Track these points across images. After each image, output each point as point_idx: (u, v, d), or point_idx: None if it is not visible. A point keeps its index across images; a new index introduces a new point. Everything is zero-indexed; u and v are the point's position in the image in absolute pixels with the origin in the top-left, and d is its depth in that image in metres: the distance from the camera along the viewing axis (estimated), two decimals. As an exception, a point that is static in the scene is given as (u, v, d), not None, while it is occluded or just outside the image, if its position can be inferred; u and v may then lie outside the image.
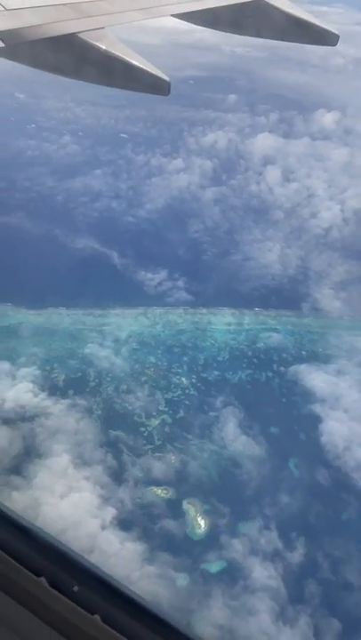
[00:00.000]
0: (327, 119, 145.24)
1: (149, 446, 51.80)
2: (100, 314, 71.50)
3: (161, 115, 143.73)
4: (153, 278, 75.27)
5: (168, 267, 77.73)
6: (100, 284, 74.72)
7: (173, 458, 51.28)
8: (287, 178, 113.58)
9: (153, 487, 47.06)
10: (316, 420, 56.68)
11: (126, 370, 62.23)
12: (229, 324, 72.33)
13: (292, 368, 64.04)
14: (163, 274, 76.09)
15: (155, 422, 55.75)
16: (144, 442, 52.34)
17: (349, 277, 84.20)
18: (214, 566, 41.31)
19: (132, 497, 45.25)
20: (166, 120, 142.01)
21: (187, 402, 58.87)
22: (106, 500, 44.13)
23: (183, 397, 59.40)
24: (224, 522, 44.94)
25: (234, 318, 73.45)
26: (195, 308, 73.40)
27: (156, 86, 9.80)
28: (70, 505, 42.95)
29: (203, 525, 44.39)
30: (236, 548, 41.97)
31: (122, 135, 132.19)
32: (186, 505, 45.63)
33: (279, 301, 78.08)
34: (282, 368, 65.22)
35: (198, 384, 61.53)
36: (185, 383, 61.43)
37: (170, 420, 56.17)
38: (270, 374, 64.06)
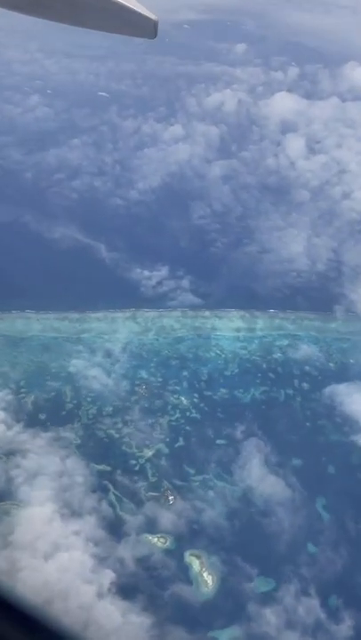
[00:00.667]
0: (359, 74, 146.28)
1: (142, 484, 51.73)
2: (78, 318, 71.26)
3: (153, 69, 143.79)
4: (150, 277, 75.30)
5: (169, 262, 77.79)
6: (80, 282, 74.96)
7: (171, 498, 51.32)
8: (312, 149, 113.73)
9: (153, 536, 46.92)
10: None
11: (112, 388, 61.85)
12: (238, 330, 72.41)
13: (328, 388, 63.98)
14: (163, 271, 76.15)
15: (148, 453, 55.42)
16: (135, 478, 52.32)
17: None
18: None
19: (134, 554, 45.14)
20: (160, 76, 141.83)
21: (187, 427, 58.46)
22: (102, 561, 43.87)
23: (183, 422, 58.89)
24: (245, 583, 44.84)
25: (244, 322, 73.55)
26: (195, 311, 73.59)
27: (139, 27, 9.17)
28: (58, 568, 42.54)
29: (210, 582, 44.30)
30: (269, 619, 41.89)
31: (102, 94, 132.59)
32: (188, 557, 45.46)
33: (306, 304, 78.26)
34: (304, 384, 65.26)
35: (201, 404, 61.14)
36: (185, 404, 60.93)
37: (166, 451, 55.85)
38: (290, 392, 63.97)
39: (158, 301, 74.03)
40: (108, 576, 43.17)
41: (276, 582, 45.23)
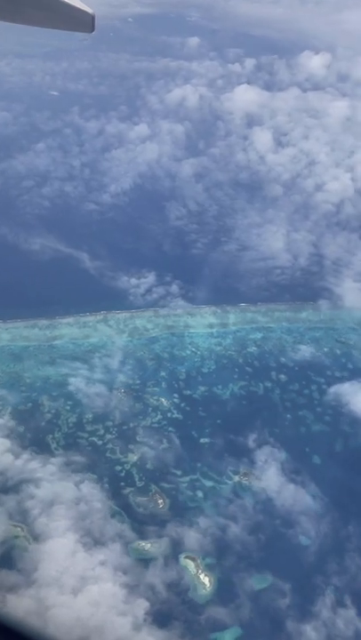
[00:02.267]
0: (315, 63, 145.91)
1: (129, 489, 50.36)
2: (48, 325, 69.60)
3: (108, 67, 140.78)
4: (138, 284, 73.45)
5: (155, 268, 76.08)
6: (49, 288, 73.34)
7: (161, 501, 50.14)
8: (280, 142, 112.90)
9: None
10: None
11: (90, 394, 60.33)
12: (212, 326, 71.80)
13: (305, 378, 63.28)
14: (150, 278, 74.38)
15: (133, 458, 54.14)
16: (122, 484, 50.87)
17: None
18: None
19: (164, 579, 43.59)
20: (116, 73, 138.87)
21: (170, 428, 57.54)
22: (133, 590, 42.19)
23: (165, 423, 57.98)
24: (280, 599, 43.91)
25: (216, 318, 72.94)
26: (166, 309, 72.45)
27: (76, 21, 9.23)
28: (89, 602, 40.78)
29: (208, 584, 43.16)
30: (309, 635, 40.97)
31: (53, 93, 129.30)
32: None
33: (292, 300, 77.78)
34: (282, 376, 65.05)
35: (182, 404, 60.37)
36: (165, 405, 60.18)
37: (151, 454, 54.65)
38: (269, 385, 63.78)
39: (129, 302, 72.55)
40: (141, 605, 41.56)
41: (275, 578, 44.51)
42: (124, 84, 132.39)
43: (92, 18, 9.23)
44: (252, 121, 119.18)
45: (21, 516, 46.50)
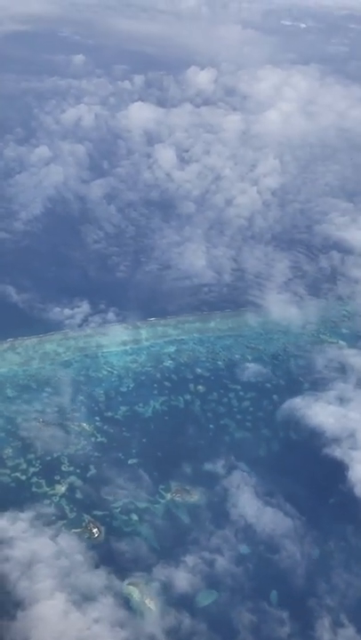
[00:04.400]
0: (203, 79, 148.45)
1: (61, 522, 48.07)
2: None
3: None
4: (73, 315, 70.55)
5: (85, 295, 73.45)
6: None
7: (95, 531, 48.63)
8: (182, 158, 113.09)
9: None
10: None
11: (6, 428, 57.71)
12: (125, 344, 70.77)
13: (222, 387, 63.47)
14: (84, 307, 71.60)
15: (61, 489, 51.94)
16: (52, 517, 48.33)
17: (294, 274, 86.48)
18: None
19: (163, 627, 41.67)
20: (4, 94, 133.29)
21: (96, 453, 56.06)
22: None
23: (90, 448, 56.38)
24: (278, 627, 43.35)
25: (128, 335, 71.84)
26: (75, 331, 70.44)
27: None
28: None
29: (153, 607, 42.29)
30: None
31: None
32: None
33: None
34: (200, 387, 65.33)
35: (105, 427, 59.12)
36: (88, 429, 58.65)
37: (79, 483, 52.83)
38: (189, 397, 63.89)
39: (36, 326, 69.85)
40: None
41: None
42: (15, 104, 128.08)
43: None
44: (151, 138, 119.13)
45: (-1, 582, 42.95)
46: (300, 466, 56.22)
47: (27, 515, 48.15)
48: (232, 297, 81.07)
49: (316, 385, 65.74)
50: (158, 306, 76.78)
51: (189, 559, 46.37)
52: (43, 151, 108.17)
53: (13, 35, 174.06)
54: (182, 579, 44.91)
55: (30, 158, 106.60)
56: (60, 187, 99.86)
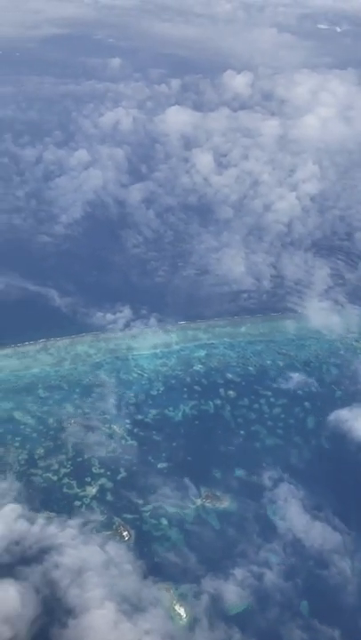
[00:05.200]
0: (239, 82, 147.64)
1: (92, 525, 48.07)
2: None
3: (33, 90, 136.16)
4: (115, 320, 70.67)
5: (127, 301, 73.57)
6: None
7: (126, 534, 48.33)
8: (220, 163, 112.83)
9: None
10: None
11: (39, 428, 58.08)
12: (155, 346, 70.55)
13: (252, 393, 62.79)
14: (126, 312, 71.75)
15: (92, 491, 52.03)
16: (85, 521, 48.19)
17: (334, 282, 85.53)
18: None
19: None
20: (43, 97, 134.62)
21: (126, 456, 55.98)
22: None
23: (121, 451, 56.36)
24: None
25: (158, 338, 71.53)
26: (106, 333, 70.56)
27: None
28: None
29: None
30: None
31: None
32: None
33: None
34: (231, 392, 64.96)
35: (135, 430, 59.07)
36: (118, 432, 58.63)
37: (110, 485, 52.90)
38: (219, 402, 63.52)
39: (69, 327, 70.36)
40: None
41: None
42: (54, 108, 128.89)
43: None
44: (188, 142, 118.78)
45: (50, 589, 42.97)
46: (348, 480, 55.37)
47: (75, 521, 48.20)
48: (271, 304, 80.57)
49: (356, 395, 65.03)
50: (197, 311, 76.60)
51: (238, 572, 45.95)
52: (82, 155, 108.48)
53: (51, 38, 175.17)
54: (232, 592, 44.51)
55: (70, 162, 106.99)
56: (100, 190, 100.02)
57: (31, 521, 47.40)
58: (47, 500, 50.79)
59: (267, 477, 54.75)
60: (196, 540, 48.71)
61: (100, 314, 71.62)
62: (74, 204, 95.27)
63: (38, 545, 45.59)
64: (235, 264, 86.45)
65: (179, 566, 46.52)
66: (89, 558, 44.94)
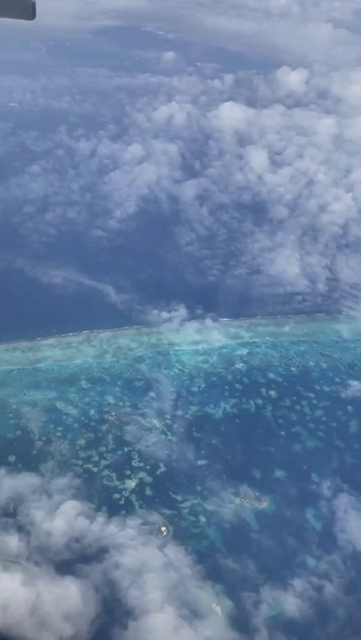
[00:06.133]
0: (294, 79, 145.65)
1: (130, 517, 48.25)
2: (29, 347, 66.86)
3: (88, 83, 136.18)
4: (170, 318, 70.56)
5: (182, 299, 73.34)
6: (27, 308, 70.63)
7: (164, 529, 48.06)
8: (275, 161, 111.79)
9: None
10: None
11: (80, 419, 58.37)
12: (197, 343, 70.17)
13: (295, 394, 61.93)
14: (181, 311, 71.59)
15: (131, 485, 52.30)
16: (121, 511, 48.80)
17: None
18: None
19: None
20: (97, 90, 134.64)
21: (165, 451, 56.07)
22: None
23: (160, 446, 56.49)
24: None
25: (199, 334, 71.12)
26: (149, 327, 70.52)
27: (17, 8, 9.12)
28: None
29: None
30: None
31: (12, 104, 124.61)
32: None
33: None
34: (272, 392, 64.49)
35: (175, 425, 59.04)
36: (158, 427, 58.73)
37: (149, 479, 53.18)
38: (260, 402, 63.06)
39: (112, 320, 70.57)
40: None
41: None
42: (108, 101, 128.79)
43: (33, 5, 8.90)
44: (242, 139, 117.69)
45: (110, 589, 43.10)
46: None
47: (134, 522, 48.29)
48: (326, 306, 79.63)
49: None
50: (250, 313, 76.10)
51: (297, 583, 45.52)
52: (136, 149, 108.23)
53: (103, 30, 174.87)
54: (292, 603, 44.10)
55: (123, 156, 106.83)
56: (153, 186, 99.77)
57: (91, 519, 47.68)
58: (86, 490, 51.16)
59: (316, 482, 54.64)
60: (255, 547, 48.38)
61: (155, 312, 71.55)
62: (128, 199, 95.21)
63: (98, 543, 45.76)
64: (289, 265, 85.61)
65: (237, 573, 46.25)
66: (148, 560, 44.96)
